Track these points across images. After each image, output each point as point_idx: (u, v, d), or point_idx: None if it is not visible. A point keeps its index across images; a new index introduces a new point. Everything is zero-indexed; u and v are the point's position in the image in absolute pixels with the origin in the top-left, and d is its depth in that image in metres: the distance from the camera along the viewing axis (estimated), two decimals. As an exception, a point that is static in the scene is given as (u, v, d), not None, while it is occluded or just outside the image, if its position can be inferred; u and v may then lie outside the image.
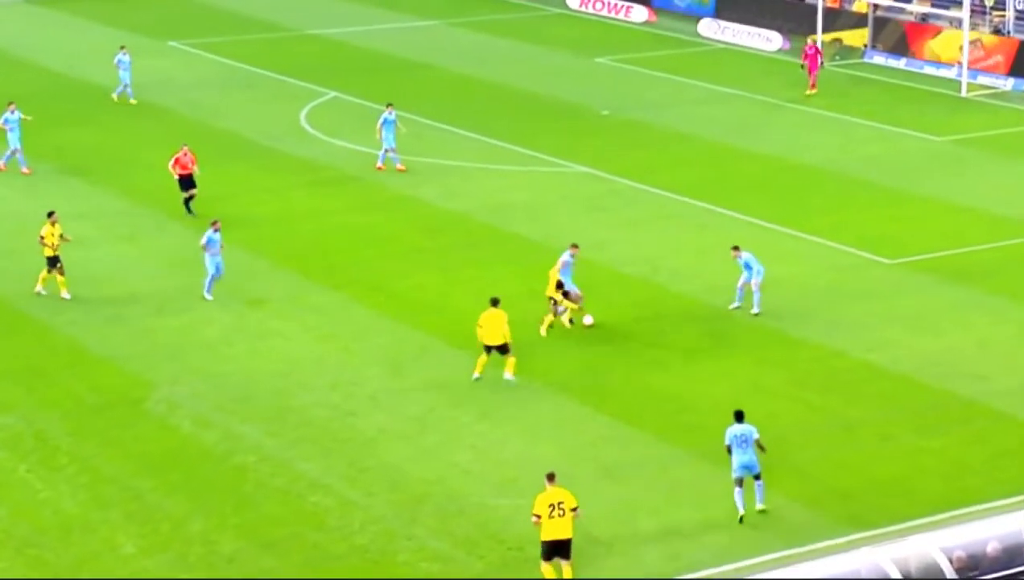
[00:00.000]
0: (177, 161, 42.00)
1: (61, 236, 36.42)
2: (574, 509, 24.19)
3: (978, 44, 58.88)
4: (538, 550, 24.46)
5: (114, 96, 54.25)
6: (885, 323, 35.10)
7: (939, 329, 34.81)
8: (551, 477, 24.51)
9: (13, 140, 45.64)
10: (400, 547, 25.90)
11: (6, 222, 42.27)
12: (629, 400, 31.21)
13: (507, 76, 59.32)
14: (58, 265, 36.20)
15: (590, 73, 60.23)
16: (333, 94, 56.22)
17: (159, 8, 72.86)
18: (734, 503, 26.39)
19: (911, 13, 62.73)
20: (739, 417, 26.61)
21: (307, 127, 51.90)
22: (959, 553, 20.63)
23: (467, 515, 26.62)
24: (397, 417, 30.47)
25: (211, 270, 36.09)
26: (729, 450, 26.41)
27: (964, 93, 56.75)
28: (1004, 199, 44.20)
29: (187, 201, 42.05)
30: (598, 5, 71.81)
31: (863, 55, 62.25)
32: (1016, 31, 60.07)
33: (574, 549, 24.35)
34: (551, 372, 32.41)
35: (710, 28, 67.14)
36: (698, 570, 25.13)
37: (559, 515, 24.03)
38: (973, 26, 58.84)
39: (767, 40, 64.67)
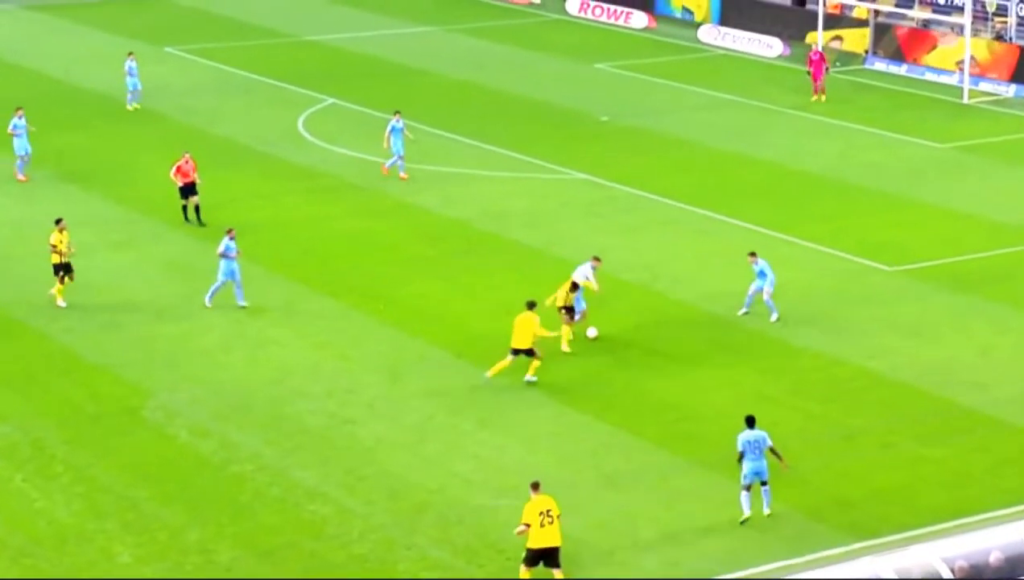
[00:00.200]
0: (179, 169, 41.94)
1: (68, 245, 36.34)
2: (559, 516, 24.34)
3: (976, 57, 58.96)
4: (538, 559, 24.51)
5: (129, 106, 54.10)
6: (886, 331, 35.11)
7: (940, 337, 34.83)
8: (535, 486, 24.63)
9: (20, 146, 45.66)
10: (399, 556, 25.90)
11: (3, 229, 42.27)
12: (629, 408, 31.21)
13: (506, 82, 59.36)
14: (71, 272, 36.13)
15: (589, 79, 60.27)
16: (331, 100, 56.26)
17: (156, 14, 72.93)
18: (739, 506, 26.45)
19: (912, 19, 62.78)
20: (751, 423, 26.62)
21: (305, 134, 51.92)
22: (961, 563, 20.64)
23: (467, 524, 26.61)
24: (396, 425, 30.47)
25: (221, 278, 35.98)
26: (742, 456, 26.38)
27: (965, 100, 56.80)
28: (1005, 206, 44.23)
29: (185, 209, 41.86)
30: (598, 11, 71.88)
31: (864, 61, 62.30)
32: (1018, 37, 60.12)
33: (562, 555, 24.37)
34: (551, 380, 32.41)
35: (710, 34, 67.20)
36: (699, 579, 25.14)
37: (548, 523, 24.18)
38: (975, 32, 58.89)
39: (768, 46, 64.72)
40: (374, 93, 57.12)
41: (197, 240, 41.16)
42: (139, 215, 43.14)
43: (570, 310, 33.87)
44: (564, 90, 58.15)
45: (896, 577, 20.10)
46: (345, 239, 41.55)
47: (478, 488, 27.89)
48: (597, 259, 34.89)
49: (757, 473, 26.41)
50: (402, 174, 46.25)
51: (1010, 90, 57.92)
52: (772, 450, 26.58)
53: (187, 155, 42.34)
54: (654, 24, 69.62)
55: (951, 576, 20.31)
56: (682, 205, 44.16)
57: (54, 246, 36.23)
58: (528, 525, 24.22)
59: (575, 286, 34.08)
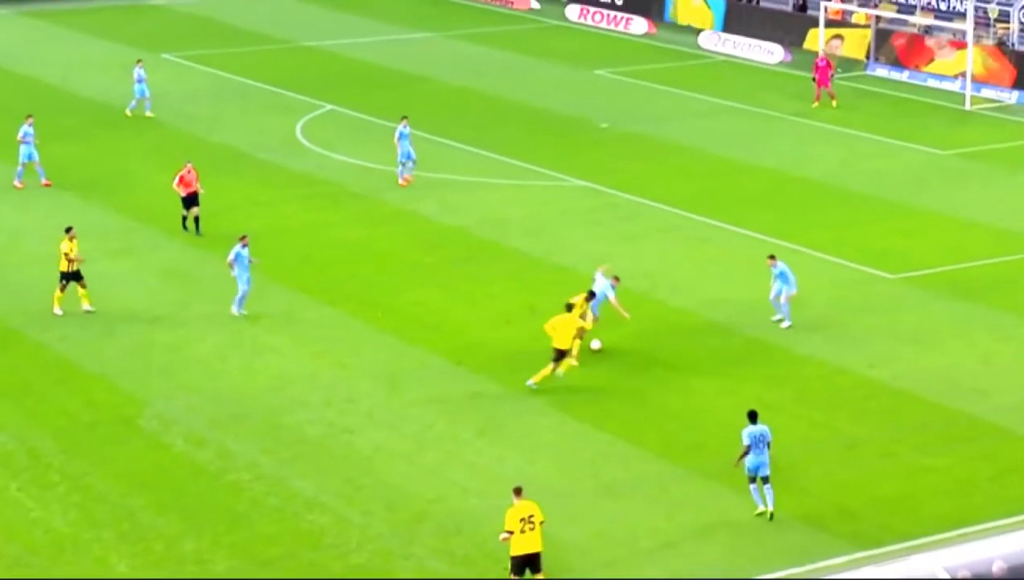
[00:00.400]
0: (181, 179, 41.79)
1: (76, 253, 36.29)
2: (542, 522, 24.36)
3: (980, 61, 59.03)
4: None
5: (147, 113, 54.07)
6: (888, 339, 35.09)
7: (942, 345, 34.81)
8: (518, 491, 24.68)
9: (28, 153, 45.68)
10: (398, 566, 25.86)
11: (-2, 237, 42.31)
12: (629, 417, 31.19)
13: (505, 89, 59.38)
14: (80, 280, 36.06)
15: (589, 86, 60.29)
16: (329, 107, 56.27)
17: (152, 20, 72.96)
18: (751, 499, 26.99)
19: (914, 25, 62.82)
20: (753, 417, 27.11)
21: (303, 140, 51.93)
22: (964, 573, 20.61)
23: (466, 534, 26.58)
24: (394, 434, 30.45)
25: (243, 286, 35.93)
26: (747, 451, 26.85)
27: (968, 106, 56.81)
28: (1008, 213, 44.22)
29: (185, 220, 41.70)
30: (597, 17, 71.92)
31: (865, 68, 62.32)
32: (1020, 43, 60.14)
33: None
34: (550, 389, 32.38)
35: (711, 40, 67.23)
36: (699, 589, 25.15)
37: (529, 529, 24.23)
38: (977, 38, 58.92)
39: (769, 52, 64.74)
40: (373, 100, 57.14)
41: (194, 248, 41.16)
42: (135, 223, 43.12)
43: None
44: (564, 97, 58.16)
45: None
46: (344, 246, 41.54)
47: (476, 497, 27.85)
48: (616, 278, 34.40)
49: (759, 466, 26.84)
50: (400, 181, 46.22)
51: (1013, 96, 57.92)
52: (768, 444, 27.01)
53: (189, 165, 42.16)
54: (654, 30, 69.63)
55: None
56: (682, 212, 44.15)
57: (66, 254, 36.16)
58: (511, 532, 24.25)
59: (592, 295, 34.00)
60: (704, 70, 63.29)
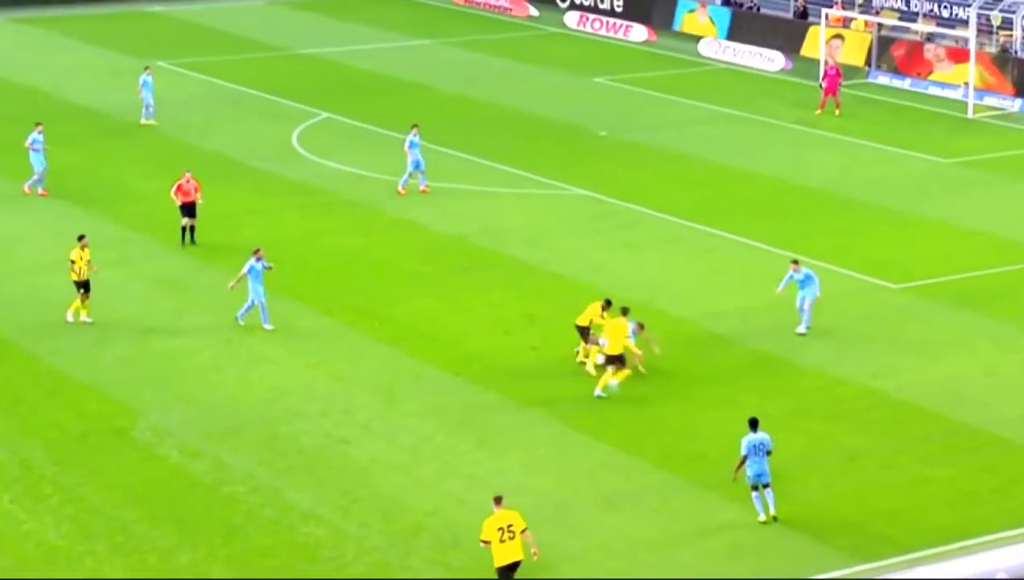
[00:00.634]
0: (179, 188, 41.72)
1: (88, 262, 36.29)
2: (523, 531, 24.41)
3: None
4: (535, 582, 24.52)
5: (147, 121, 54.04)
6: (890, 349, 35.11)
7: (945, 355, 34.83)
8: (498, 500, 24.77)
9: (37, 161, 45.73)
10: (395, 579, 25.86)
11: (-10, 246, 42.31)
12: (629, 428, 31.20)
13: (503, 96, 59.42)
14: (87, 291, 36.07)
15: (588, 93, 60.33)
16: (325, 115, 56.30)
17: (146, 27, 73.00)
18: (753, 507, 27.18)
19: (916, 33, 62.90)
20: (754, 425, 27.27)
21: (299, 148, 51.95)
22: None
23: (463, 546, 26.55)
24: (391, 445, 30.44)
25: (259, 299, 35.86)
26: (745, 459, 26.98)
27: (970, 114, 56.86)
28: (1011, 222, 44.25)
29: (184, 232, 41.68)
30: (596, 24, 71.98)
31: (867, 75, 62.38)
32: (1023, 50, 60.21)
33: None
34: (549, 399, 32.40)
35: (711, 48, 67.30)
36: (699, 603, 25.16)
37: (509, 538, 24.29)
38: (980, 45, 59.00)
39: (769, 60, 64.81)
40: (369, 107, 57.17)
41: (188, 257, 41.17)
42: (129, 232, 43.10)
43: (586, 331, 33.68)
44: (562, 104, 58.20)
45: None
46: (340, 255, 41.54)
47: (475, 510, 27.81)
48: (641, 326, 33.65)
49: (760, 475, 26.99)
50: (400, 189, 46.25)
51: (1015, 104, 57.98)
52: (768, 452, 27.17)
53: (188, 174, 42.03)
54: (654, 37, 69.69)
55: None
56: (682, 221, 44.18)
57: (72, 262, 36.15)
58: (488, 542, 24.37)
59: (608, 303, 33.93)
60: (704, 78, 63.34)
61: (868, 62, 63.33)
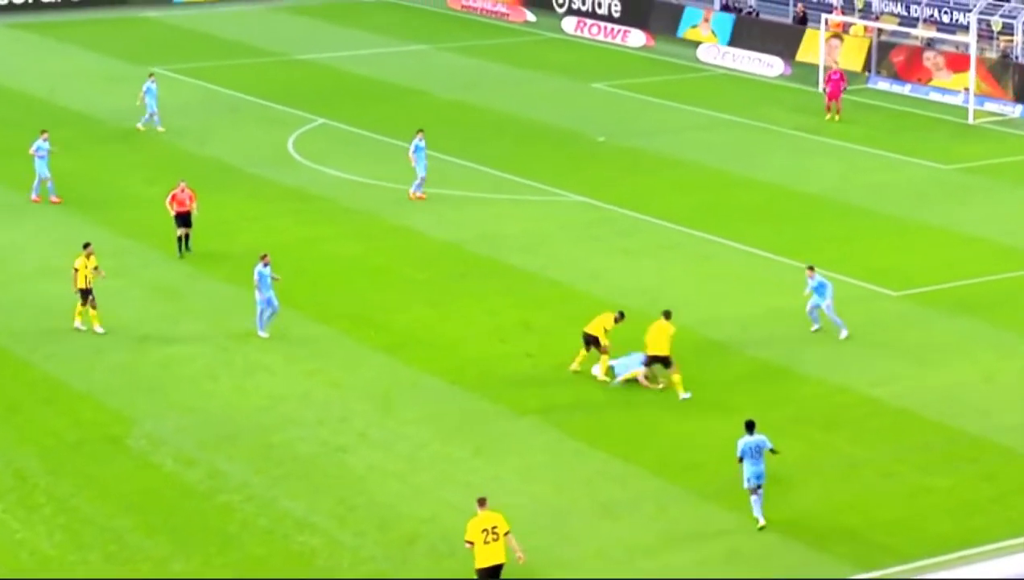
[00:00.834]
0: (174, 197, 41.63)
1: (95, 269, 36.22)
2: (507, 533, 24.50)
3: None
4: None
5: (146, 127, 54.06)
6: (890, 357, 35.11)
7: (945, 363, 34.83)
8: (482, 502, 24.88)
9: (43, 168, 45.73)
10: (389, 589, 25.87)
11: (-16, 253, 42.28)
12: (626, 436, 31.19)
13: (500, 102, 59.44)
14: (90, 298, 36.03)
15: (586, 99, 60.35)
16: (321, 121, 56.32)
17: (142, 33, 73.02)
18: (752, 512, 27.23)
19: (916, 38, 62.95)
20: (750, 427, 27.35)
21: (295, 154, 51.96)
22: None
23: (459, 556, 26.51)
24: (388, 454, 30.43)
25: (261, 306, 35.84)
26: (741, 460, 27.11)
27: (971, 120, 56.89)
28: (1012, 229, 44.26)
29: (180, 242, 41.53)
30: (594, 29, 72.01)
31: (866, 81, 62.41)
32: (1024, 56, 60.31)
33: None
34: (546, 407, 32.39)
35: (709, 53, 67.33)
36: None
37: (493, 540, 24.41)
38: (980, 51, 59.04)
39: (768, 66, 64.83)
40: (366, 113, 57.19)
41: (184, 265, 41.16)
42: (125, 239, 43.08)
43: (596, 340, 33.67)
44: (560, 110, 58.22)
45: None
46: (336, 262, 41.53)
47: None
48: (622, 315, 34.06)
49: (758, 476, 27.09)
50: (420, 193, 46.24)
51: (1016, 110, 58.01)
52: (772, 450, 27.33)
53: (183, 183, 41.93)
54: (652, 43, 69.72)
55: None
56: (681, 228, 44.18)
57: (76, 270, 36.08)
58: (472, 543, 24.48)
59: (622, 315, 33.94)
60: (703, 83, 63.37)
61: (867, 67, 63.35)
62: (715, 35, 68.76)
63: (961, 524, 27.72)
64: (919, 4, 64.07)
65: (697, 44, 68.44)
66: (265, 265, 35.90)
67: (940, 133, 55.47)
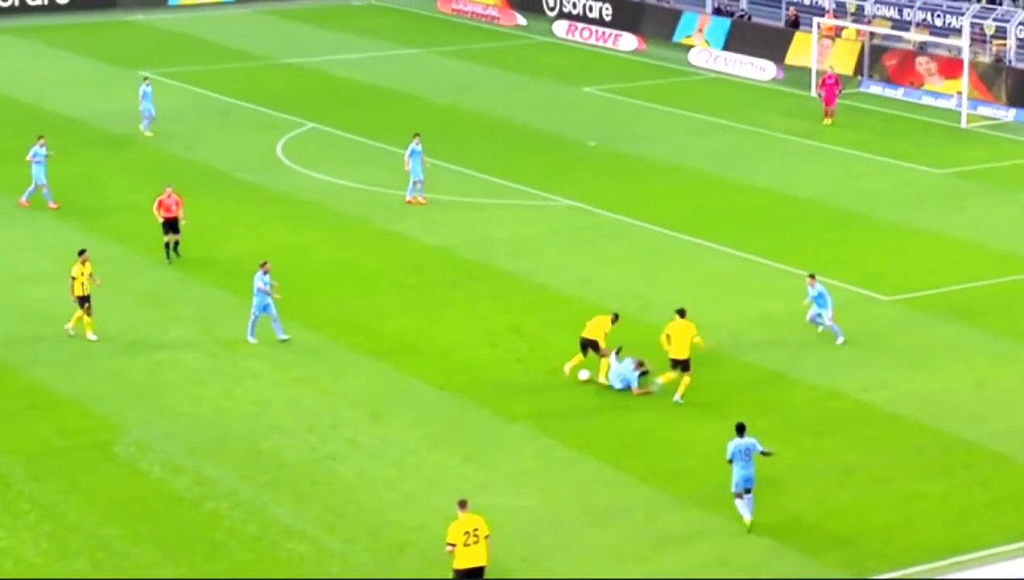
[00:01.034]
0: (160, 204, 41.49)
1: (90, 275, 36.11)
2: (487, 536, 24.63)
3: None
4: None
5: (145, 131, 53.96)
6: (883, 362, 35.10)
7: (938, 369, 34.83)
8: (463, 504, 24.94)
9: (40, 175, 45.63)
10: (378, 596, 25.82)
11: (-30, 258, 42.17)
12: (617, 442, 31.15)
13: (491, 106, 59.43)
14: (86, 305, 35.92)
15: (577, 103, 60.37)
16: (311, 125, 56.27)
17: (130, 37, 72.97)
18: (738, 514, 27.29)
19: (909, 42, 63.01)
20: (740, 430, 27.44)
21: (284, 159, 51.91)
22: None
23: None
24: (377, 460, 30.38)
25: (256, 313, 35.73)
26: (731, 463, 27.19)
27: (964, 124, 56.93)
28: (1005, 234, 44.29)
29: (168, 247, 41.37)
30: (586, 33, 72.04)
31: (859, 85, 62.46)
32: (1018, 60, 60.33)
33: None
34: (536, 414, 32.35)
35: (701, 57, 67.36)
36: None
37: (474, 542, 24.52)
38: (973, 55, 59.09)
39: (760, 69, 64.87)
40: (355, 117, 57.15)
41: (173, 270, 41.10)
42: (112, 244, 42.97)
43: (595, 345, 33.63)
44: (551, 114, 58.22)
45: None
46: (326, 268, 41.47)
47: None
48: (640, 363, 33.75)
49: (747, 480, 27.18)
50: (421, 198, 46.24)
51: (1009, 114, 58.07)
52: (764, 453, 27.44)
53: (169, 189, 41.81)
54: (643, 47, 69.74)
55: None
56: (672, 233, 44.17)
57: (74, 278, 35.96)
58: (454, 545, 24.55)
59: (616, 317, 33.97)
60: (695, 87, 63.40)
61: (859, 71, 63.41)
62: (708, 42, 68.72)
63: (955, 530, 27.71)
64: (912, 8, 64.14)
65: (689, 48, 68.46)
66: (265, 273, 35.81)
67: (933, 137, 55.51)
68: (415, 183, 46.25)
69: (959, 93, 58.01)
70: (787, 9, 68.29)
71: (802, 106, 59.09)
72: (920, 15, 63.89)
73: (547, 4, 75.45)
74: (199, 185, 47.89)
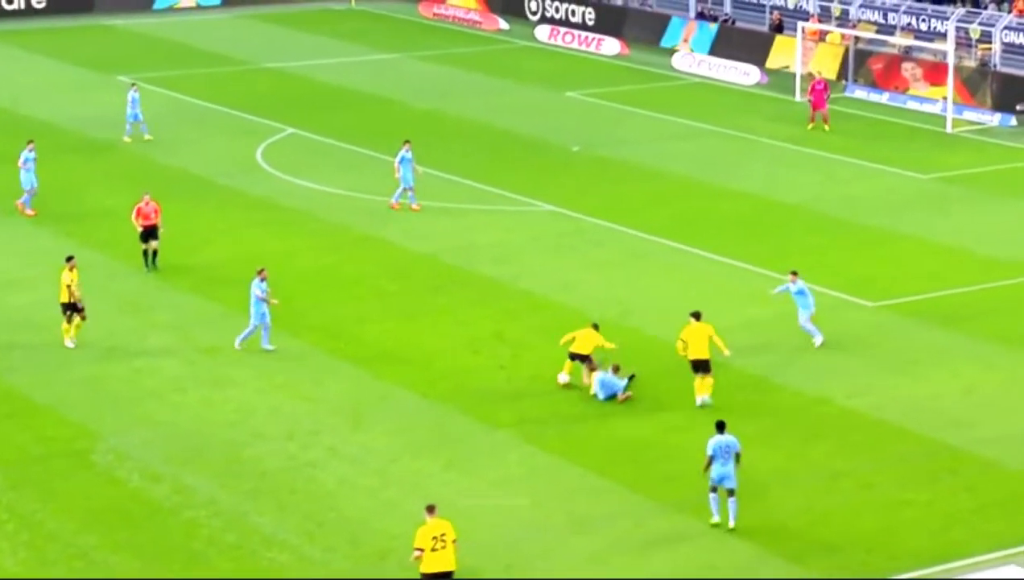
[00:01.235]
0: (139, 212, 41.35)
1: (73, 284, 35.86)
2: (454, 541, 24.73)
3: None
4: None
5: (127, 137, 53.90)
6: (868, 368, 35.17)
7: (924, 374, 34.90)
8: (431, 509, 25.04)
9: (30, 180, 45.48)
10: (360, 605, 25.79)
11: (-54, 264, 42.05)
12: (602, 449, 31.16)
13: (473, 111, 59.45)
14: (79, 312, 35.70)
15: (560, 108, 60.42)
16: (291, 130, 56.23)
17: (107, 41, 72.84)
18: (708, 509, 27.60)
19: (894, 46, 63.17)
20: (720, 427, 27.77)
21: (264, 165, 51.86)
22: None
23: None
24: (359, 468, 30.35)
25: (255, 321, 35.67)
26: (711, 461, 27.45)
27: (949, 129, 57.08)
28: (990, 239, 44.40)
29: (146, 256, 41.22)
30: (568, 37, 72.10)
31: (844, 89, 62.59)
32: (1003, 64, 60.52)
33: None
34: (520, 420, 32.35)
35: (685, 61, 67.46)
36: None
37: (441, 547, 24.65)
38: (958, 59, 59.26)
39: (744, 74, 64.98)
40: (336, 123, 57.13)
41: (151, 277, 41.04)
42: (88, 250, 42.85)
43: (587, 358, 33.64)
44: (533, 119, 58.25)
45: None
46: (307, 274, 41.42)
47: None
48: (616, 367, 33.79)
49: (724, 477, 27.45)
50: (414, 205, 46.24)
51: (995, 119, 58.24)
52: (737, 455, 27.65)
53: (147, 196, 41.60)
54: (627, 51, 69.83)
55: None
56: (656, 238, 44.22)
57: (68, 286, 35.79)
58: (422, 550, 24.63)
59: (596, 327, 34.04)
60: (678, 92, 63.49)
61: (843, 75, 63.55)
62: (692, 50, 68.73)
63: (941, 537, 27.77)
64: (896, 12, 64.31)
65: (672, 52, 68.53)
66: (262, 280, 35.77)
67: (918, 142, 55.65)
68: (405, 190, 46.28)
69: (944, 98, 58.16)
70: (771, 13, 68.42)
71: (786, 111, 59.19)
72: (905, 19, 64.07)
73: (529, 8, 75.54)
74: (178, 191, 47.83)
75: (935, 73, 60.51)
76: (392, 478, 29.94)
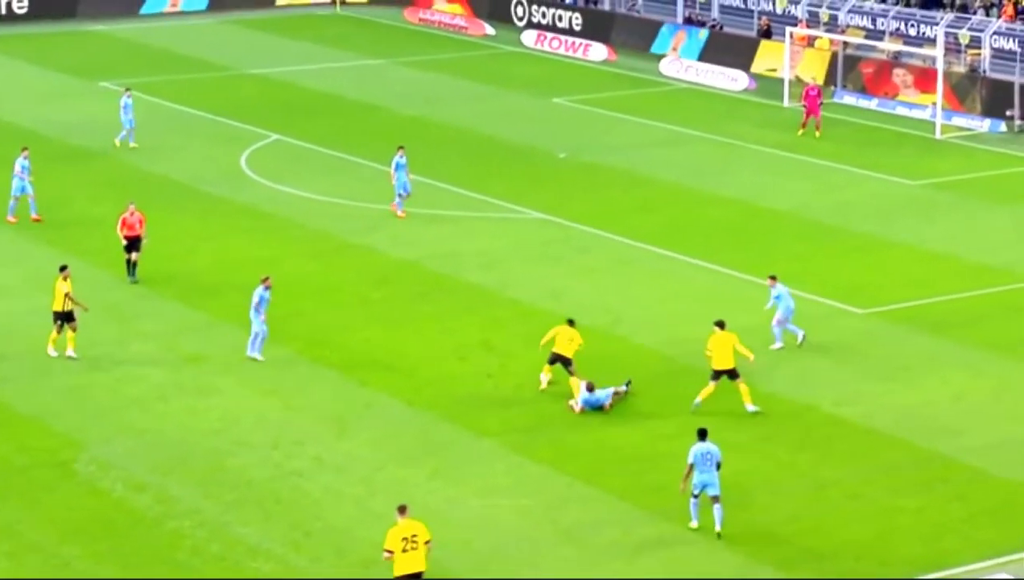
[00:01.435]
0: (124, 222, 41.23)
1: (68, 295, 35.83)
2: (427, 542, 24.82)
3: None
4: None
5: (118, 141, 53.89)
6: (857, 376, 35.24)
7: (914, 382, 34.98)
8: (402, 510, 25.12)
9: (24, 187, 45.40)
10: (346, 616, 25.80)
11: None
12: (589, 458, 31.19)
13: (459, 117, 59.49)
14: (71, 321, 35.63)
15: (547, 114, 60.48)
16: (275, 137, 56.24)
17: (89, 46, 72.76)
18: (688, 514, 27.95)
19: (883, 52, 63.33)
20: (702, 435, 28.04)
21: (248, 172, 51.86)
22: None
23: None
24: (343, 477, 30.36)
25: (257, 329, 35.63)
26: (691, 469, 27.73)
27: (938, 135, 57.23)
28: (980, 246, 44.52)
29: (129, 263, 41.25)
30: (555, 43, 72.18)
31: (832, 95, 62.72)
32: (992, 70, 60.69)
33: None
34: (506, 429, 32.37)
35: (672, 67, 67.57)
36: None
37: (412, 548, 24.72)
38: (948, 65, 59.42)
39: (732, 80, 65.10)
40: (321, 129, 57.14)
41: (134, 285, 40.97)
42: (71, 258, 42.72)
43: (568, 361, 33.69)
44: (520, 125, 58.31)
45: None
46: (291, 282, 41.35)
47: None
48: (590, 385, 33.76)
49: (706, 485, 27.68)
50: (399, 212, 46.22)
51: (984, 125, 58.39)
52: (718, 465, 27.85)
53: (132, 206, 41.50)
54: (614, 57, 69.93)
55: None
56: (643, 245, 44.28)
57: (68, 295, 35.73)
58: (391, 552, 24.74)
59: (571, 322, 34.14)
60: (666, 98, 63.59)
61: (831, 81, 63.66)
62: (680, 58, 68.79)
63: (931, 546, 27.83)
64: (885, 17, 64.47)
65: (659, 57, 68.63)
66: (266, 289, 35.73)
67: (907, 148, 55.78)
68: (399, 195, 46.32)
69: (933, 104, 58.31)
70: (759, 19, 68.54)
71: (775, 116, 59.31)
72: (894, 24, 64.23)
73: (516, 14, 75.61)
74: (162, 198, 47.81)
75: (924, 79, 60.67)
76: (378, 487, 29.96)
